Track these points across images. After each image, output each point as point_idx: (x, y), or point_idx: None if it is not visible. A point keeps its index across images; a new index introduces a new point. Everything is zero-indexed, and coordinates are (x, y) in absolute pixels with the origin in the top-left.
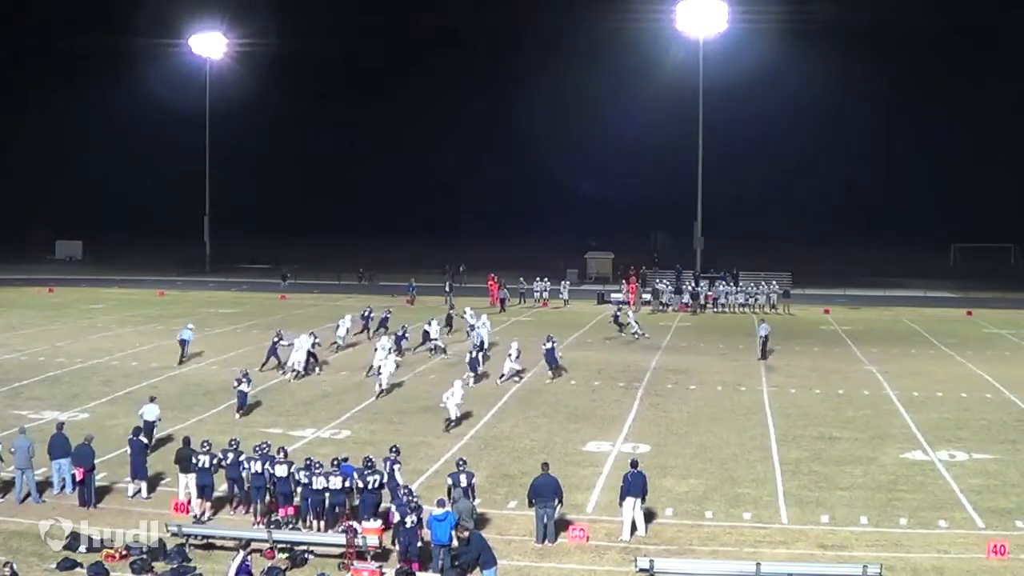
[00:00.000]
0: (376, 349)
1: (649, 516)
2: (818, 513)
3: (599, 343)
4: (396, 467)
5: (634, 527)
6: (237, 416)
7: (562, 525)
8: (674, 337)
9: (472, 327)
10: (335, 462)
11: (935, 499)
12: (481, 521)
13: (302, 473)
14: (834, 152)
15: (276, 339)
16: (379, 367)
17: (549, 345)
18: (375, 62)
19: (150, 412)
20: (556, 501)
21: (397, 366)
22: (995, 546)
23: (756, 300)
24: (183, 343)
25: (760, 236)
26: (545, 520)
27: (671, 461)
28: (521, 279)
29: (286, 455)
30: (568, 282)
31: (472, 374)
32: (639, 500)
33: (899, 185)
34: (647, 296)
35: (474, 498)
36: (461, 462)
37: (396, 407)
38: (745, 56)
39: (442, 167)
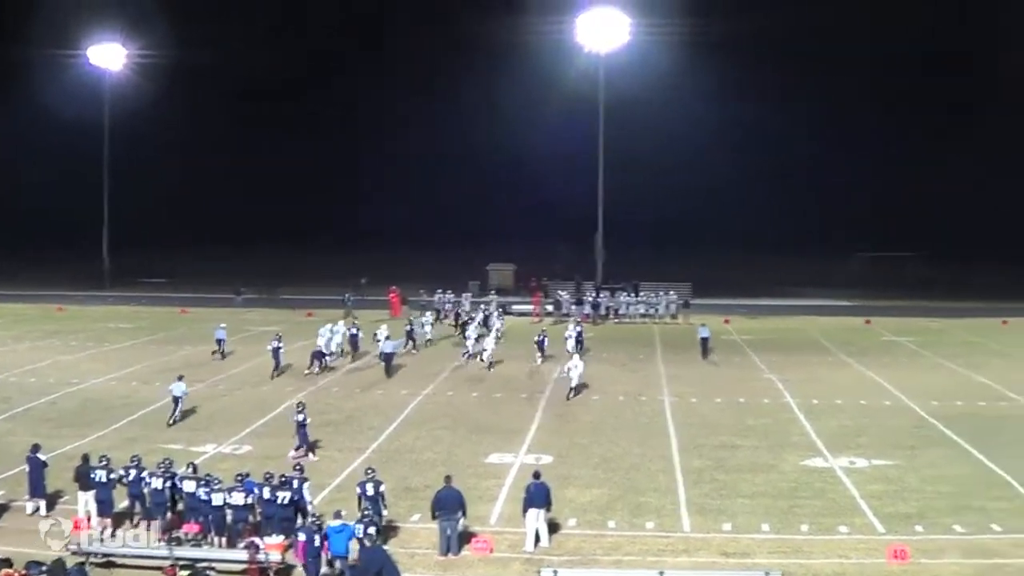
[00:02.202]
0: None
1: (552, 527)
2: (720, 521)
3: (503, 355)
4: (304, 484)
5: (538, 538)
6: (301, 454)
7: (465, 537)
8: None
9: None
10: (238, 478)
11: (836, 505)
12: (385, 533)
13: (202, 490)
14: (733, 163)
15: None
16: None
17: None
18: (277, 73)
19: (178, 388)
20: (459, 513)
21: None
22: (895, 551)
23: (656, 311)
24: (219, 341)
25: (661, 247)
26: (448, 532)
27: (574, 471)
28: (422, 291)
29: (195, 470)
30: (470, 294)
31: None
32: (543, 511)
33: (798, 194)
34: (549, 307)
35: (385, 506)
36: (370, 471)
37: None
38: (645, 68)
39: (344, 179)
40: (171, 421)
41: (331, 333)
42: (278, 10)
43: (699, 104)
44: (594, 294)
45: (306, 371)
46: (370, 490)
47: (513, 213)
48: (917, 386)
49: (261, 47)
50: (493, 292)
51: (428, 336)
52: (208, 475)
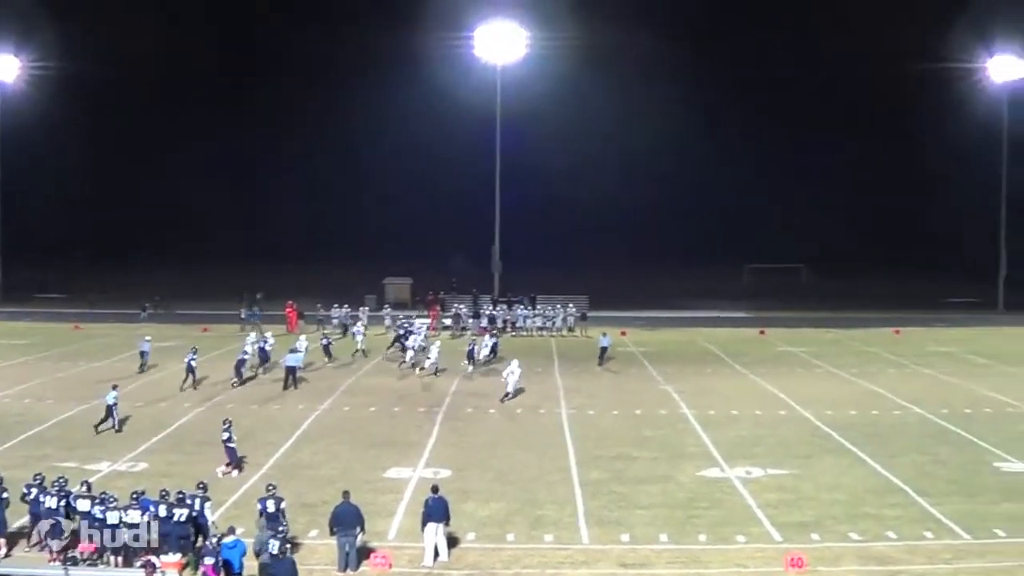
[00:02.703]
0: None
1: (452, 541)
2: (618, 532)
3: (397, 369)
4: (206, 503)
5: (436, 552)
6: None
7: (364, 553)
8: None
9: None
10: (134, 495)
11: (733, 515)
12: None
13: (97, 508)
14: (630, 176)
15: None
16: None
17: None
18: (175, 84)
19: (111, 397)
20: (358, 529)
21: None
22: (792, 559)
23: (554, 323)
24: (143, 354)
25: (558, 260)
26: (347, 548)
27: (472, 485)
28: (319, 305)
29: (89, 488)
30: (367, 308)
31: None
32: (442, 525)
33: (693, 207)
34: (446, 321)
35: (285, 523)
36: (270, 487)
37: (194, 438)
38: (542, 81)
39: (239, 193)
40: (100, 429)
41: (253, 346)
42: (173, 22)
43: (594, 117)
44: (491, 307)
45: (233, 382)
46: (271, 507)
47: (410, 226)
48: (812, 396)
49: (156, 60)
50: (388, 306)
51: (360, 347)
52: (103, 493)
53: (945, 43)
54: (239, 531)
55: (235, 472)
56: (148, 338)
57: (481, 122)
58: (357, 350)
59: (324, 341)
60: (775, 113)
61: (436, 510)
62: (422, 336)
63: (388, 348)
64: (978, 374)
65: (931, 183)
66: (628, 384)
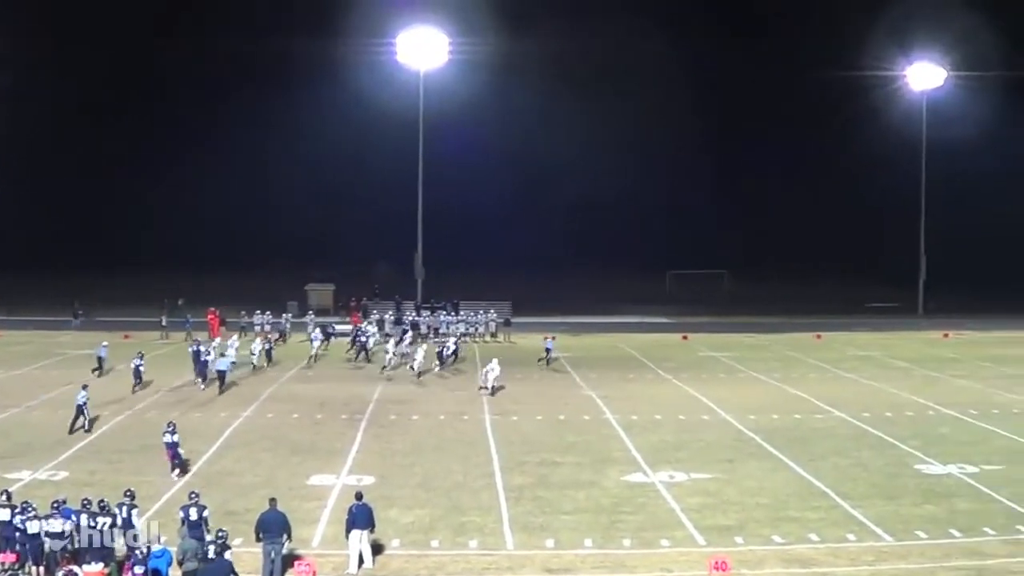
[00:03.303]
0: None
1: (376, 548)
2: (543, 538)
3: (321, 375)
4: (133, 511)
5: (361, 560)
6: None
7: (289, 560)
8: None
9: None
10: (55, 504)
11: (657, 519)
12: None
13: (18, 518)
14: (552, 182)
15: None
16: None
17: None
18: (94, 93)
19: (81, 397)
20: (284, 536)
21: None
22: (716, 562)
23: (477, 329)
24: (100, 359)
25: (480, 265)
26: (272, 556)
27: (396, 492)
28: (242, 312)
29: (9, 498)
30: (290, 314)
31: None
32: (366, 532)
33: (615, 213)
34: (370, 328)
35: (208, 531)
36: (193, 495)
37: (115, 446)
38: (463, 87)
39: (160, 198)
40: (72, 430)
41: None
42: (82, 31)
43: (515, 123)
44: (414, 313)
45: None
46: (193, 515)
47: (333, 232)
48: (734, 400)
49: (71, 70)
50: (311, 313)
51: (315, 352)
52: (25, 502)
53: (864, 51)
54: (162, 539)
55: (176, 474)
56: (105, 343)
57: (403, 128)
58: (312, 355)
59: (267, 346)
60: (697, 119)
61: (360, 517)
62: (407, 342)
63: (347, 351)
64: (899, 378)
65: (852, 189)
66: (552, 390)
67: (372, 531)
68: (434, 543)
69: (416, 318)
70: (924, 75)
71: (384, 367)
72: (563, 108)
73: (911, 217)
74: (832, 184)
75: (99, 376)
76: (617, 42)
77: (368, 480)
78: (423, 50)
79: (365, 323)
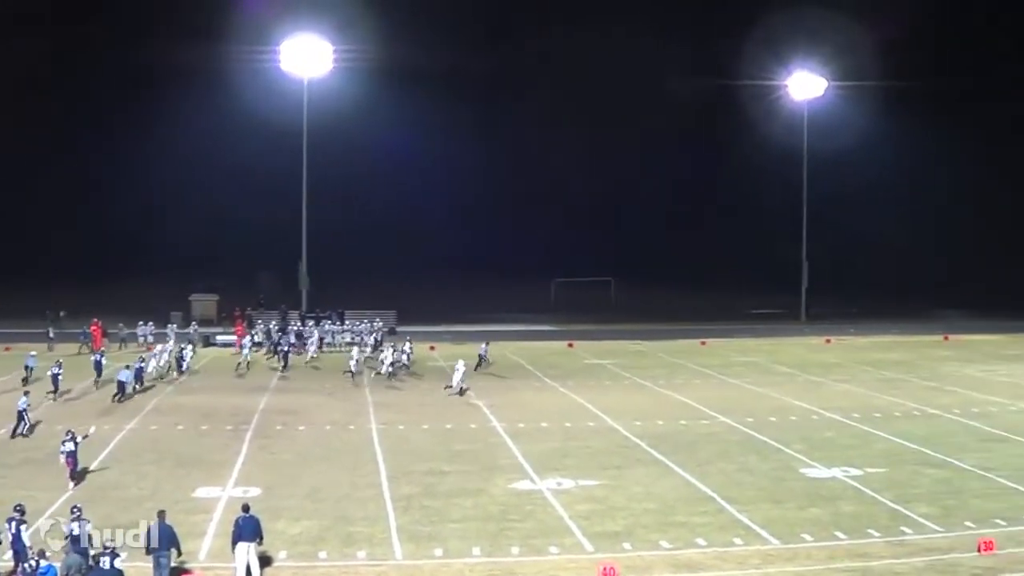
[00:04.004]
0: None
1: (264, 560)
2: (431, 547)
3: (207, 386)
4: (22, 527)
5: (249, 572)
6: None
7: (177, 574)
8: (281, 378)
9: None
10: None
11: (545, 526)
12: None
13: None
14: (438, 190)
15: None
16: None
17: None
18: None
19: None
20: (172, 550)
21: None
22: (605, 568)
23: (362, 338)
24: (28, 368)
25: (365, 275)
26: (161, 569)
27: (283, 503)
28: (121, 324)
29: None
30: (174, 325)
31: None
32: (253, 544)
33: (500, 222)
34: (257, 337)
35: (92, 546)
36: (75, 509)
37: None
38: (349, 96)
39: (40, 208)
40: (13, 435)
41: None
42: None
43: (400, 131)
44: (299, 323)
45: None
46: (76, 529)
47: (217, 242)
48: (621, 407)
49: None
50: (195, 323)
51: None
52: None
53: (745, 61)
54: (48, 555)
55: (71, 484)
56: (33, 353)
57: (287, 136)
58: (240, 363)
59: (179, 355)
60: (581, 127)
61: (247, 529)
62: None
63: (267, 357)
64: (782, 383)
65: (736, 197)
66: (438, 398)
67: (260, 543)
68: (322, 554)
69: (301, 328)
70: (804, 85)
71: (350, 372)
72: (447, 116)
73: (793, 224)
74: (716, 192)
75: (25, 385)
76: (499, 49)
77: (255, 491)
78: (307, 58)
79: (251, 334)
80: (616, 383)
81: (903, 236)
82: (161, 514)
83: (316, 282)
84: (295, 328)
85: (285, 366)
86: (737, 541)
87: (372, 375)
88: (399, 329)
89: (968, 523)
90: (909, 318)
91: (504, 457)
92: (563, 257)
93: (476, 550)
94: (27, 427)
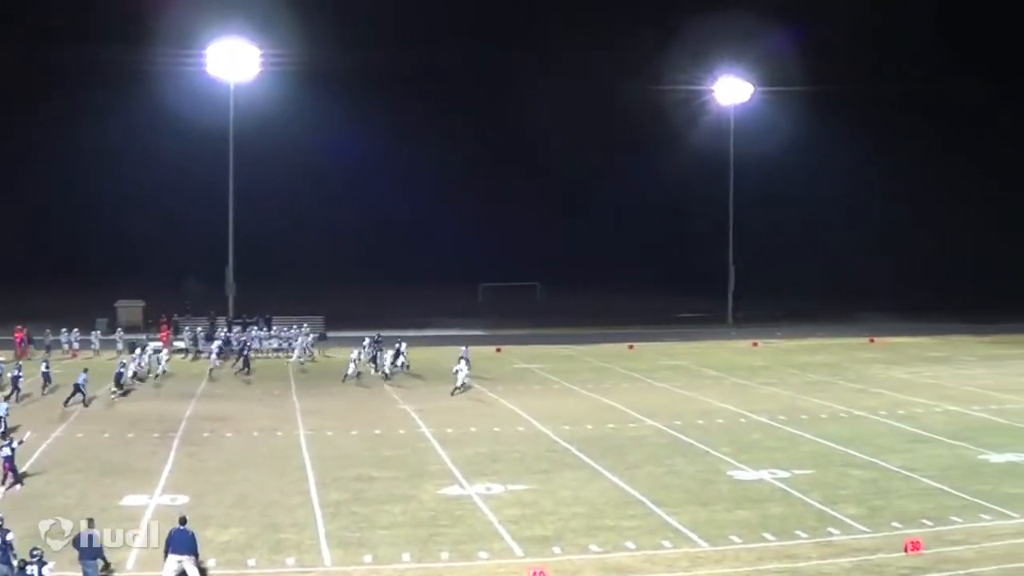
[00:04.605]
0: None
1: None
2: (361, 553)
3: (134, 394)
4: None
5: None
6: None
7: None
8: (208, 384)
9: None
10: None
11: (474, 531)
12: None
13: None
14: (364, 195)
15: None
16: None
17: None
18: None
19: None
20: (99, 560)
21: None
22: (535, 573)
23: (290, 344)
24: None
25: (293, 280)
26: None
27: (211, 511)
28: (47, 330)
29: None
30: (99, 331)
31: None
32: (187, 558)
33: (426, 226)
34: (180, 344)
35: (15, 556)
36: None
37: None
38: (275, 100)
39: None
40: None
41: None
42: None
43: (327, 136)
44: (226, 329)
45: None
46: None
47: (143, 247)
48: (549, 411)
49: None
50: (120, 329)
51: (162, 369)
52: None
53: (673, 66)
54: None
55: (17, 487)
56: (2, 359)
57: (214, 141)
58: (158, 373)
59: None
60: (509, 130)
61: (178, 542)
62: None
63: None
64: (710, 386)
65: (663, 201)
66: (366, 404)
67: (196, 557)
68: (251, 562)
69: (228, 334)
70: (731, 90)
71: (346, 375)
72: (375, 120)
73: (720, 228)
74: (643, 196)
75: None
76: (425, 51)
77: (182, 499)
78: (234, 62)
79: (174, 340)
80: (544, 387)
81: (829, 240)
82: (90, 522)
83: (243, 288)
84: (223, 334)
85: (247, 371)
86: (666, 544)
87: (373, 374)
88: (328, 335)
89: (895, 523)
90: (835, 321)
91: (433, 463)
92: (489, 261)
93: (406, 556)
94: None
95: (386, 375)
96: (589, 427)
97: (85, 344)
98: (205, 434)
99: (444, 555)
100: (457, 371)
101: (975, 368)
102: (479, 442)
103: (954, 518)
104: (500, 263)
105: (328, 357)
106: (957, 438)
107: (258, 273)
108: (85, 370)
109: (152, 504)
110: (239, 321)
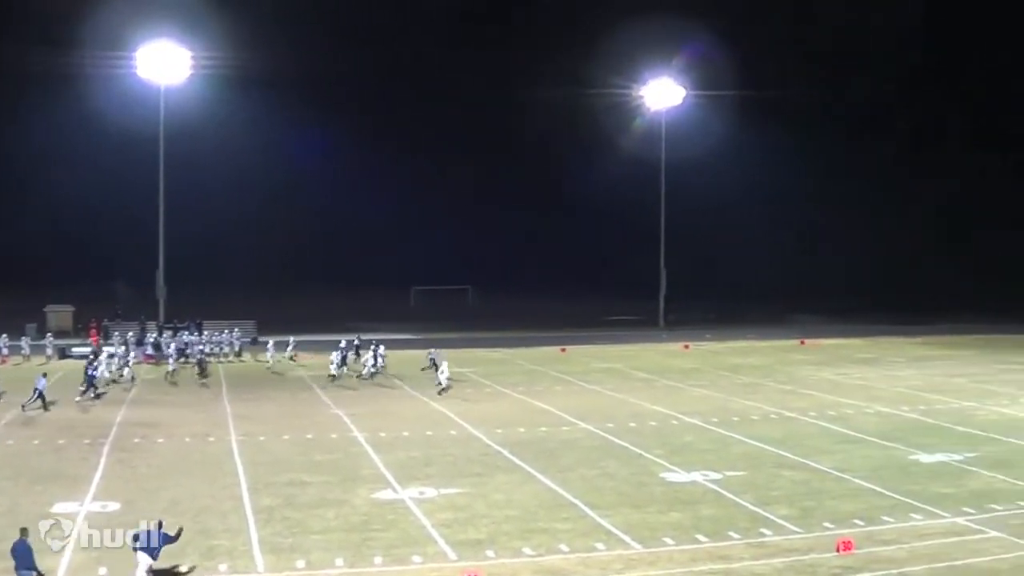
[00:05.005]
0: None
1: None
2: (294, 559)
3: (65, 400)
4: None
5: None
6: None
7: None
8: (139, 390)
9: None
10: None
11: (408, 536)
12: None
13: None
14: (297, 198)
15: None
16: None
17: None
18: None
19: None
20: (33, 572)
21: None
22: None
23: (221, 348)
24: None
25: (225, 284)
26: None
27: (142, 517)
28: None
29: None
30: (28, 337)
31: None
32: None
33: (358, 230)
34: (110, 349)
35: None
36: None
37: None
38: (207, 100)
39: None
40: None
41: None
42: None
43: (258, 139)
44: (157, 333)
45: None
46: None
47: (72, 252)
48: (481, 415)
49: None
50: (50, 335)
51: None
52: None
53: (603, 70)
54: None
55: None
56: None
57: (144, 144)
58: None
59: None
60: (439, 134)
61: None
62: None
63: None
64: (642, 389)
65: (594, 204)
66: (298, 409)
67: (155, 558)
68: (182, 568)
69: (159, 338)
70: (662, 94)
71: (333, 376)
72: (306, 123)
73: (652, 231)
74: (575, 199)
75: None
76: (355, 57)
77: (114, 506)
78: (164, 65)
79: (104, 345)
80: (477, 391)
81: (760, 243)
82: (23, 531)
83: (174, 292)
84: (152, 339)
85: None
86: (599, 546)
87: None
88: (259, 339)
89: (826, 524)
90: (766, 323)
91: (366, 467)
92: (422, 264)
93: (339, 561)
94: None
95: (371, 375)
96: (522, 430)
97: (15, 350)
98: (136, 440)
99: (377, 559)
100: (440, 373)
101: (904, 369)
102: (412, 446)
103: (885, 518)
104: (432, 266)
105: (260, 361)
106: (887, 439)
107: (190, 277)
108: (44, 375)
109: (83, 511)
110: (170, 326)
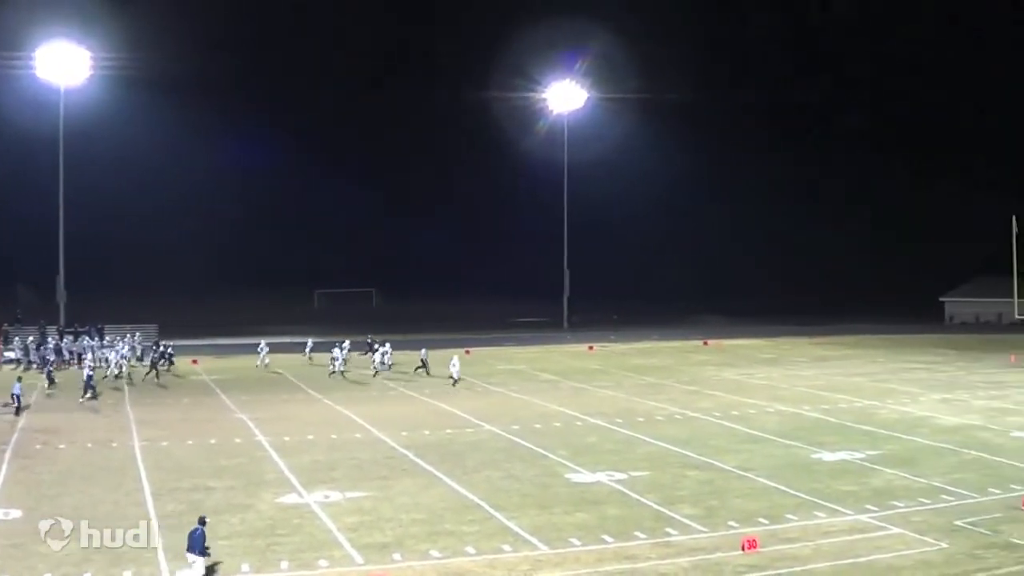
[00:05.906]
0: None
1: None
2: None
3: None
4: None
5: None
6: None
7: None
8: (40, 396)
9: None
10: None
11: (314, 540)
12: None
13: None
14: (198, 201)
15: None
16: None
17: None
18: None
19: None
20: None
21: None
22: None
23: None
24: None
25: (126, 288)
26: None
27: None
28: None
29: None
30: None
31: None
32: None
33: (261, 232)
34: (10, 355)
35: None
36: None
37: None
38: (108, 101)
39: None
40: None
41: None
42: None
43: (159, 141)
44: (58, 338)
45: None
46: None
47: None
48: (386, 418)
49: None
50: None
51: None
52: None
53: (505, 72)
54: None
55: None
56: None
57: (43, 146)
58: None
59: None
60: (344, 139)
61: (192, 541)
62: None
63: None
64: (546, 390)
65: (494, 206)
66: (202, 413)
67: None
68: (87, 575)
69: (60, 343)
70: (565, 96)
71: (332, 372)
72: (209, 125)
73: (555, 233)
74: (476, 202)
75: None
76: (258, 57)
77: (15, 513)
78: (64, 65)
79: (5, 350)
80: (382, 394)
81: (662, 244)
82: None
83: (76, 296)
84: (54, 343)
85: (51, 383)
86: (506, 548)
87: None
88: (163, 342)
89: (731, 523)
90: (669, 324)
91: (270, 471)
92: (325, 267)
93: (245, 566)
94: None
95: (375, 371)
96: (427, 433)
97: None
98: (37, 446)
99: (284, 564)
100: (451, 366)
101: (806, 369)
102: (316, 450)
103: (789, 516)
104: (336, 269)
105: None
106: (790, 437)
107: (91, 281)
108: (19, 379)
109: None
110: (70, 330)
